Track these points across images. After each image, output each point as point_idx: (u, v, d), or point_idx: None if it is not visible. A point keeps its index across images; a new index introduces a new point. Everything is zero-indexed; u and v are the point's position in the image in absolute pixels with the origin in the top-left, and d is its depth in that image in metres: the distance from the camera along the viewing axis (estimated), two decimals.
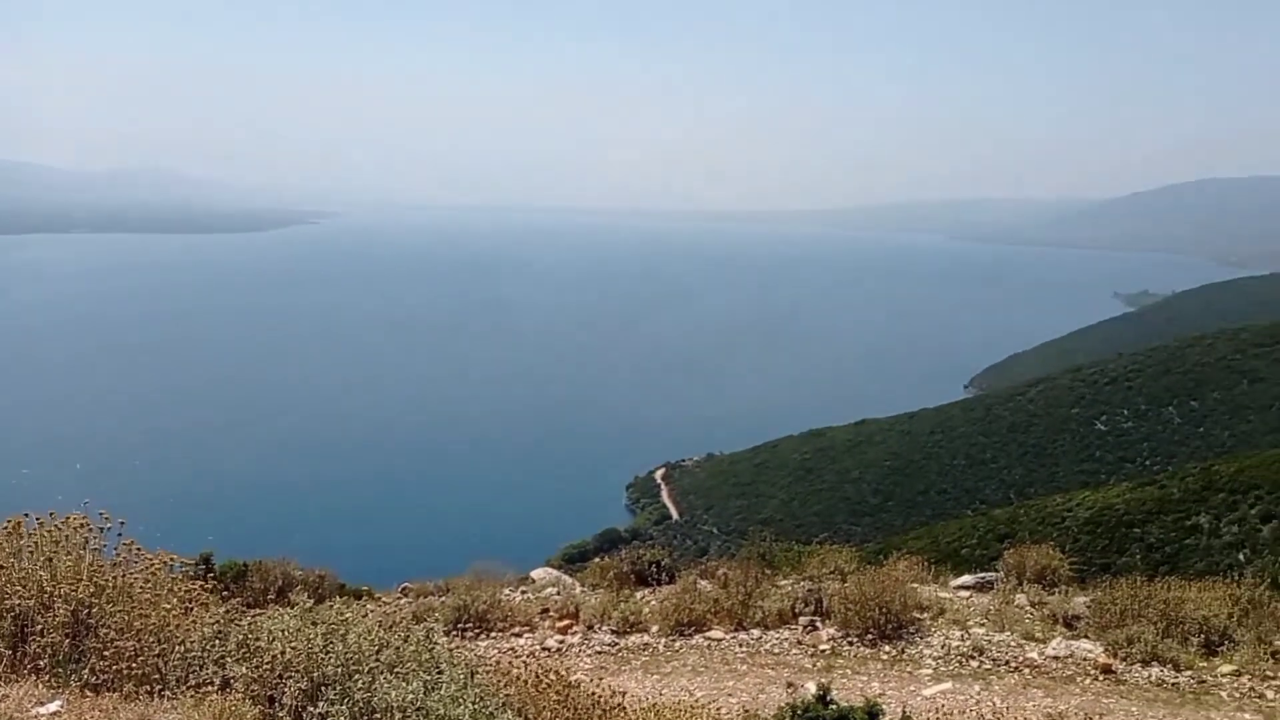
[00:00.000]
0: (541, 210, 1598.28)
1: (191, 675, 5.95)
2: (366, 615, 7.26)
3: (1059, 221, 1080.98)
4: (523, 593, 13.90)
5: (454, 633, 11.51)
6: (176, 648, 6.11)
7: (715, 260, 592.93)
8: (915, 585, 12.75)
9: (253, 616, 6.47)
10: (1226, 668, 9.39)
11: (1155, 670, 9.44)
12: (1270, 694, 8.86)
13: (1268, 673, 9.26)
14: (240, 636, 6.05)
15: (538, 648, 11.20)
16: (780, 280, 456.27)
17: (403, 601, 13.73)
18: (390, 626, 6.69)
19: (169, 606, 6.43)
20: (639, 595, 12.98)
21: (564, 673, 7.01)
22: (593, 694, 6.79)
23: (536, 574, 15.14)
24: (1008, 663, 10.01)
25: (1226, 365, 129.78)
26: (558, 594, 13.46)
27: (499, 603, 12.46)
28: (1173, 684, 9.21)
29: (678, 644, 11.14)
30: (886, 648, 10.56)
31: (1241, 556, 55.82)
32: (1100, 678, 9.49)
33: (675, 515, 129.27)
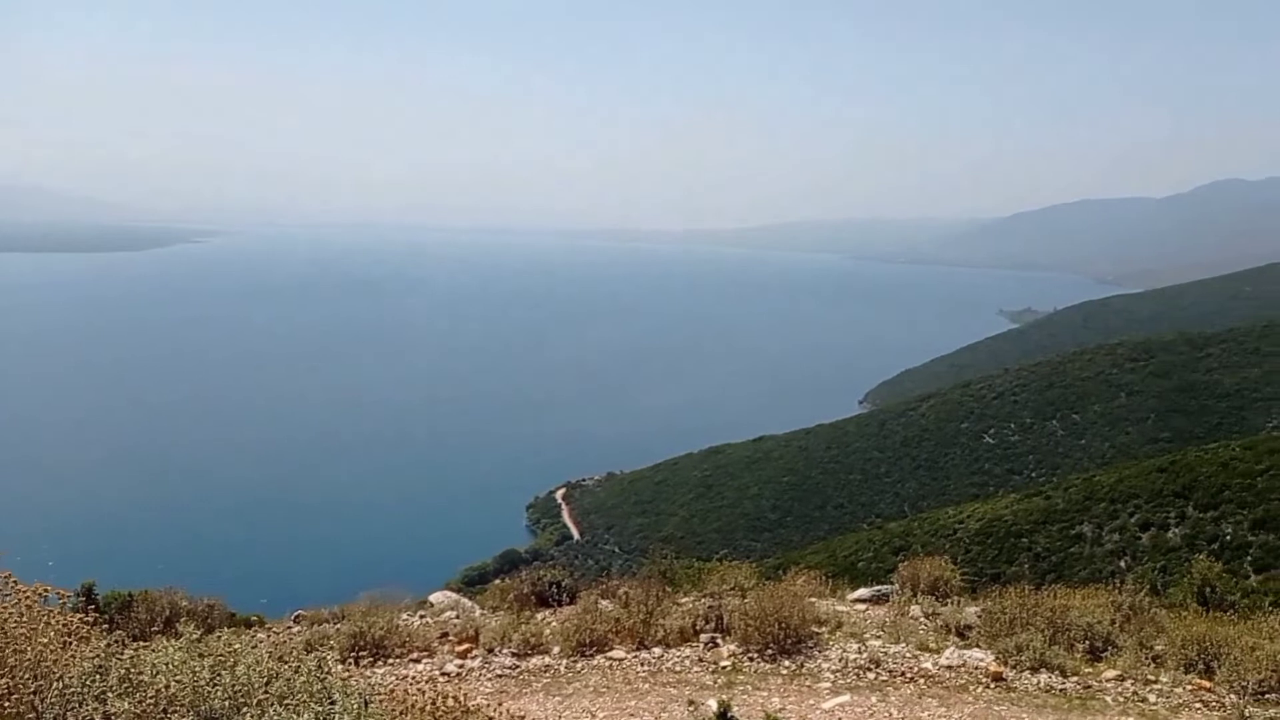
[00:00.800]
0: (442, 229, 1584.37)
1: (70, 713, 5.64)
2: (257, 645, 7.00)
3: (950, 241, 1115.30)
4: (421, 617, 13.63)
5: (350, 660, 11.20)
6: (54, 684, 5.79)
7: (617, 279, 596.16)
8: (813, 600, 12.90)
9: (137, 649, 6.18)
10: (1110, 673, 9.70)
11: (1043, 677, 9.71)
12: (1152, 697, 9.18)
13: (1149, 676, 9.60)
14: (123, 671, 5.77)
15: (436, 673, 10.96)
16: (681, 299, 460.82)
17: (296, 630, 13.33)
18: (282, 656, 6.46)
19: (45, 640, 6.10)
20: (540, 616, 12.84)
21: (462, 698, 6.86)
22: (491, 718, 6.67)
23: (435, 598, 14.87)
24: (903, 674, 10.18)
25: (1105, 379, 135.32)
26: (457, 617, 13.24)
27: (396, 628, 12.18)
28: (1060, 690, 9.48)
29: (579, 665, 11.04)
30: (786, 662, 10.63)
31: (1123, 564, 58.08)
32: (991, 686, 9.71)
33: (576, 535, 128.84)
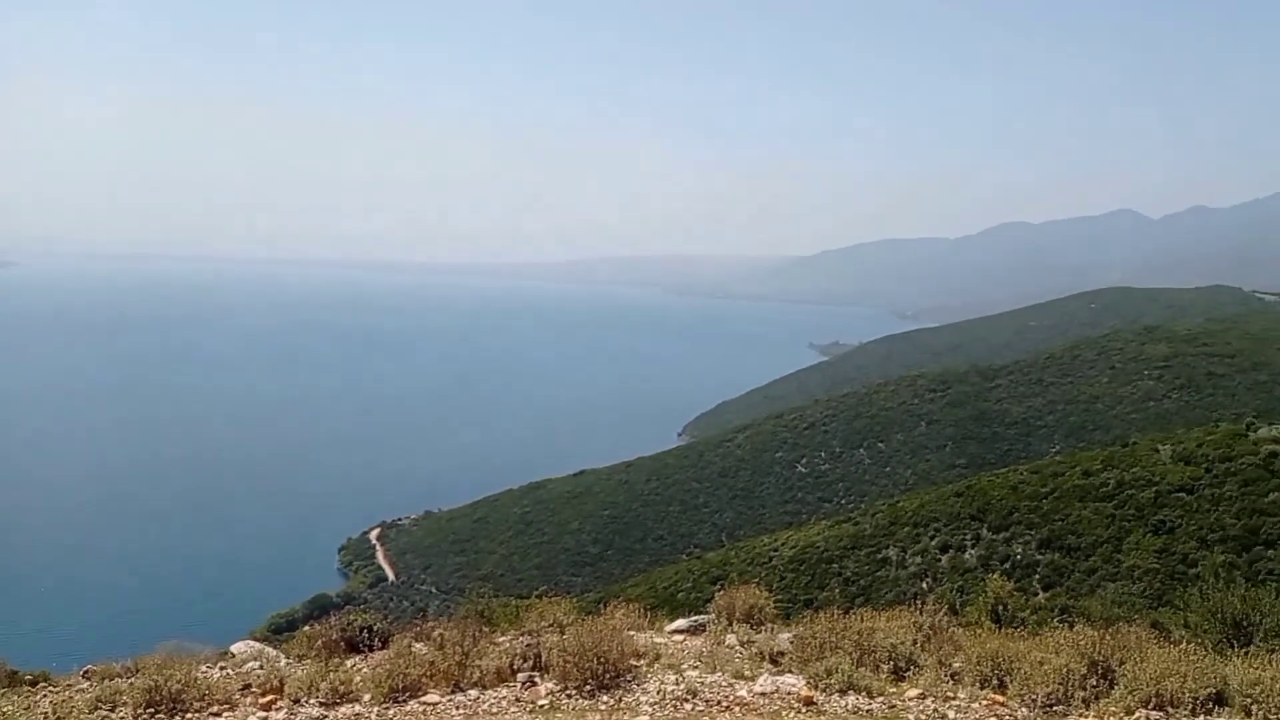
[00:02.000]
0: (250, 261, 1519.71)
1: None
2: (37, 703, 6.42)
3: (763, 277, 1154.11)
4: (222, 669, 12.85)
5: (144, 717, 10.45)
6: None
7: (433, 314, 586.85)
8: (632, 633, 12.88)
9: None
10: (913, 691, 10.08)
11: (851, 699, 9.99)
12: (951, 713, 9.59)
13: (948, 694, 10.03)
14: None
15: None
16: (501, 334, 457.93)
17: (84, 686, 12.34)
18: (61, 718, 5.95)
19: None
20: (350, 663, 12.33)
21: None
22: None
23: (237, 648, 14.07)
24: (719, 702, 10.27)
25: (907, 409, 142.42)
26: (260, 667, 12.54)
27: (195, 681, 11.42)
28: (866, 710, 9.77)
29: (391, 712, 10.64)
30: (605, 697, 10.56)
31: (925, 585, 60.93)
32: (803, 710, 9.92)
33: (392, 576, 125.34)
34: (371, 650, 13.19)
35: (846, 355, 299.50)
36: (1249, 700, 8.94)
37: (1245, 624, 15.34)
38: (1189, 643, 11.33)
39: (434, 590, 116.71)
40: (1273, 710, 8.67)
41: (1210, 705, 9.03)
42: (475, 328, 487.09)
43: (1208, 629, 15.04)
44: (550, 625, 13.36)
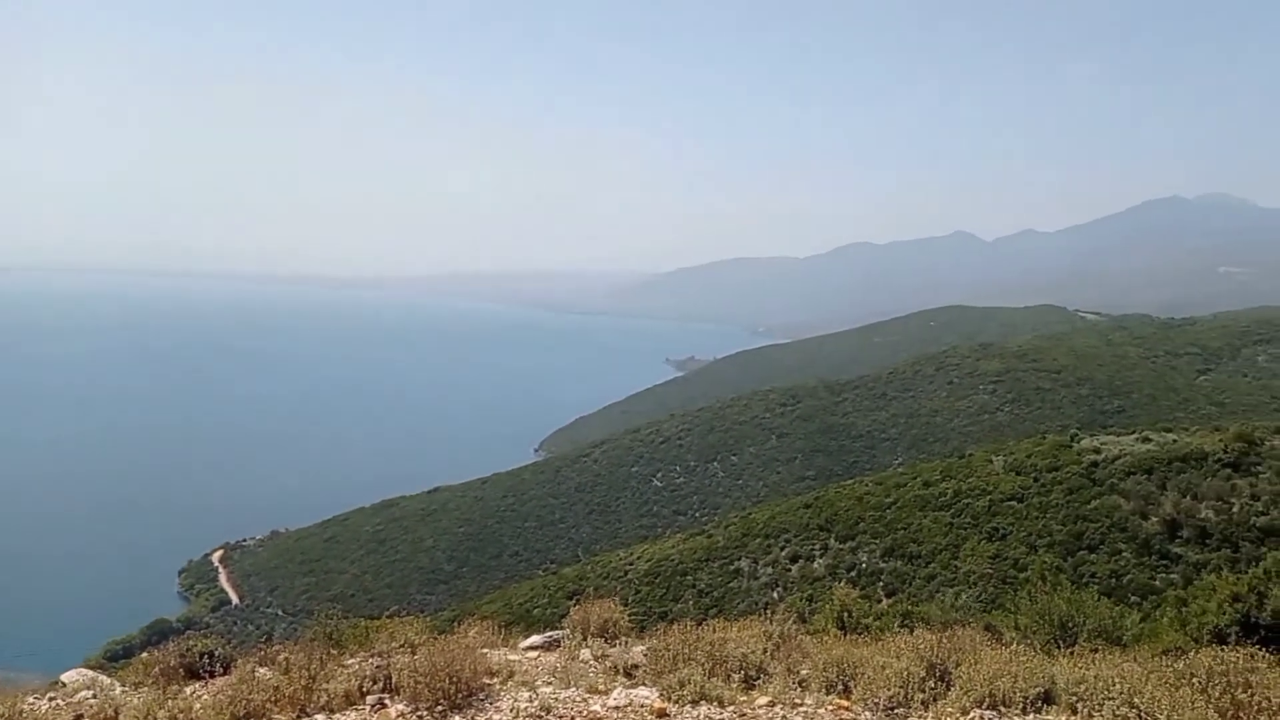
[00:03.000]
0: (99, 271, 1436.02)
1: None
2: None
3: (621, 293, 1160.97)
4: (51, 700, 12.10)
5: None
6: None
7: (290, 327, 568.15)
8: (486, 651, 12.74)
9: None
10: (763, 699, 10.29)
11: (704, 709, 10.12)
12: (799, 719, 9.83)
13: (796, 700, 10.27)
14: None
15: None
16: (355, 348, 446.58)
17: None
18: None
19: None
20: (189, 690, 11.81)
21: None
22: None
23: (68, 677, 13.28)
24: (573, 717, 10.26)
25: (759, 423, 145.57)
26: (93, 697, 11.87)
27: (21, 713, 10.75)
28: (719, 719, 9.94)
29: None
30: (457, 717, 10.41)
31: (776, 594, 62.28)
32: None
33: (236, 599, 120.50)
34: (213, 676, 12.66)
35: (701, 370, 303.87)
36: (1075, 698, 9.44)
37: (1070, 625, 16.24)
38: (1019, 644, 11.92)
39: (280, 613, 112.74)
40: (1096, 707, 9.17)
41: (1039, 704, 9.50)
42: (323, 343, 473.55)
43: (1036, 630, 15.86)
44: (401, 646, 13.08)
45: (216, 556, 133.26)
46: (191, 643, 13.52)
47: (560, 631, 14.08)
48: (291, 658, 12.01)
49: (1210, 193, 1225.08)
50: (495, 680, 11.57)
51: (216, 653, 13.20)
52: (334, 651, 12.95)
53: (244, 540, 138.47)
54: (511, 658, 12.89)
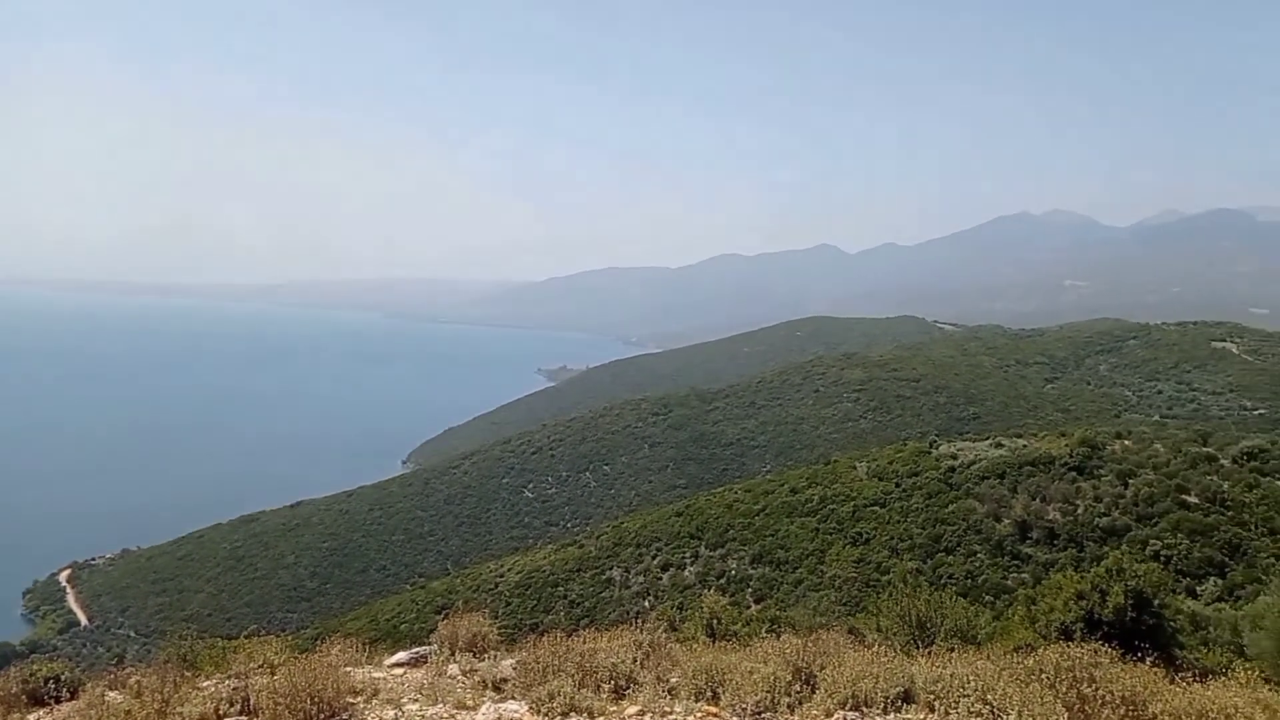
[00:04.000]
0: None
1: None
2: None
3: (490, 302, 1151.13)
4: None
5: None
6: None
7: (140, 338, 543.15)
8: (349, 669, 12.39)
9: None
10: (632, 709, 10.29)
11: None
12: None
13: (665, 708, 10.31)
14: None
15: None
16: (211, 359, 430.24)
17: None
18: None
19: None
20: (32, 718, 11.18)
21: None
22: None
23: None
24: None
25: (631, 432, 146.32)
26: None
27: None
28: None
29: None
30: None
31: (647, 603, 62.60)
32: None
33: (84, 621, 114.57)
34: (59, 702, 12.02)
35: (574, 380, 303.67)
36: (932, 697, 9.73)
37: (929, 625, 16.80)
38: (881, 645, 12.25)
39: (133, 634, 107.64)
40: (952, 705, 9.48)
41: (899, 703, 9.76)
42: (178, 353, 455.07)
43: (897, 632, 16.35)
44: (260, 666, 12.62)
45: (64, 576, 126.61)
46: (36, 667, 12.82)
47: (428, 647, 13.80)
48: (144, 681, 11.49)
49: (1056, 210, 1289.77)
50: (359, 699, 11.28)
51: (63, 677, 12.55)
52: (189, 674, 12.44)
53: (93, 559, 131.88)
54: (376, 675, 12.58)
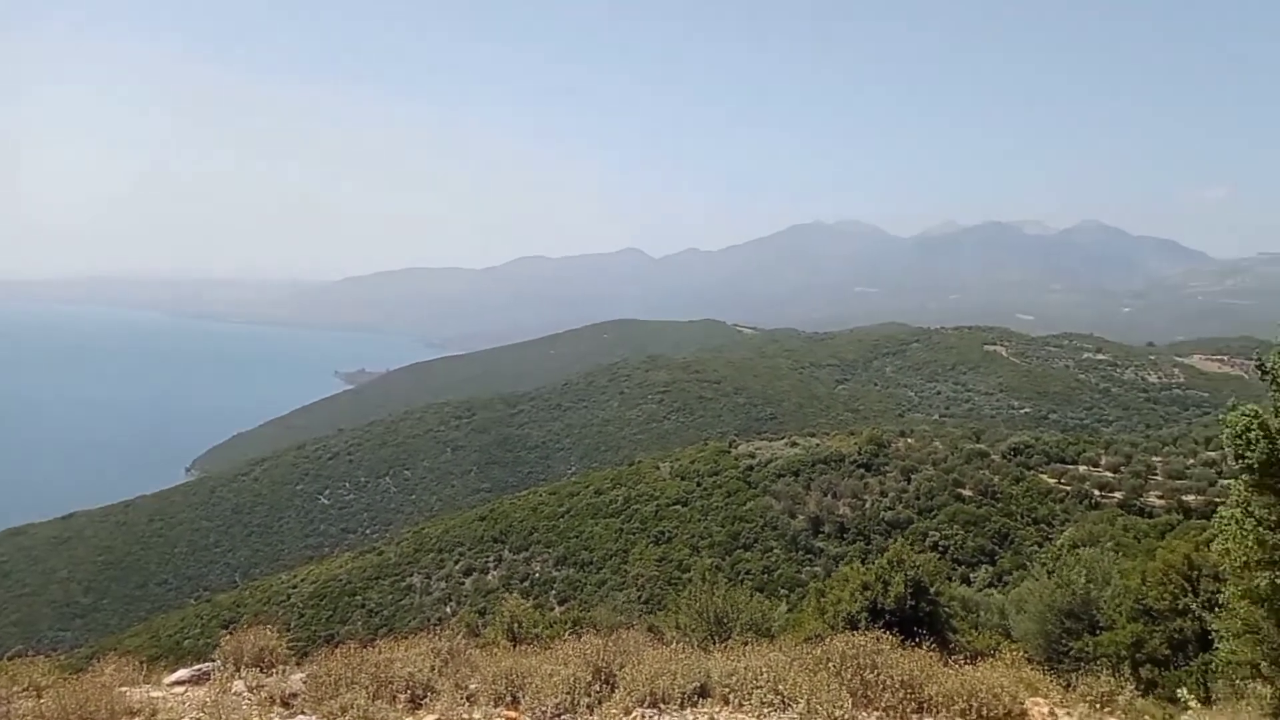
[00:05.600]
0: None
1: None
2: None
3: (282, 302, 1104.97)
4: None
5: None
6: None
7: None
8: (125, 689, 11.64)
9: None
10: (429, 718, 10.11)
11: None
12: None
13: (463, 715, 10.18)
14: None
15: None
16: None
17: None
18: None
19: None
20: None
21: None
22: None
23: None
24: None
25: (433, 436, 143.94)
26: None
27: None
28: None
29: None
30: None
31: (449, 609, 61.70)
32: None
33: None
34: None
35: (373, 383, 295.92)
36: (727, 690, 10.01)
37: (726, 621, 17.28)
38: (679, 642, 12.49)
39: None
40: (746, 696, 9.77)
41: (695, 698, 9.99)
42: None
43: (695, 628, 16.73)
44: (25, 689, 11.68)
45: None
46: None
47: (211, 663, 13.12)
48: None
49: (847, 220, 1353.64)
50: None
51: None
52: None
53: None
54: (155, 695, 11.85)
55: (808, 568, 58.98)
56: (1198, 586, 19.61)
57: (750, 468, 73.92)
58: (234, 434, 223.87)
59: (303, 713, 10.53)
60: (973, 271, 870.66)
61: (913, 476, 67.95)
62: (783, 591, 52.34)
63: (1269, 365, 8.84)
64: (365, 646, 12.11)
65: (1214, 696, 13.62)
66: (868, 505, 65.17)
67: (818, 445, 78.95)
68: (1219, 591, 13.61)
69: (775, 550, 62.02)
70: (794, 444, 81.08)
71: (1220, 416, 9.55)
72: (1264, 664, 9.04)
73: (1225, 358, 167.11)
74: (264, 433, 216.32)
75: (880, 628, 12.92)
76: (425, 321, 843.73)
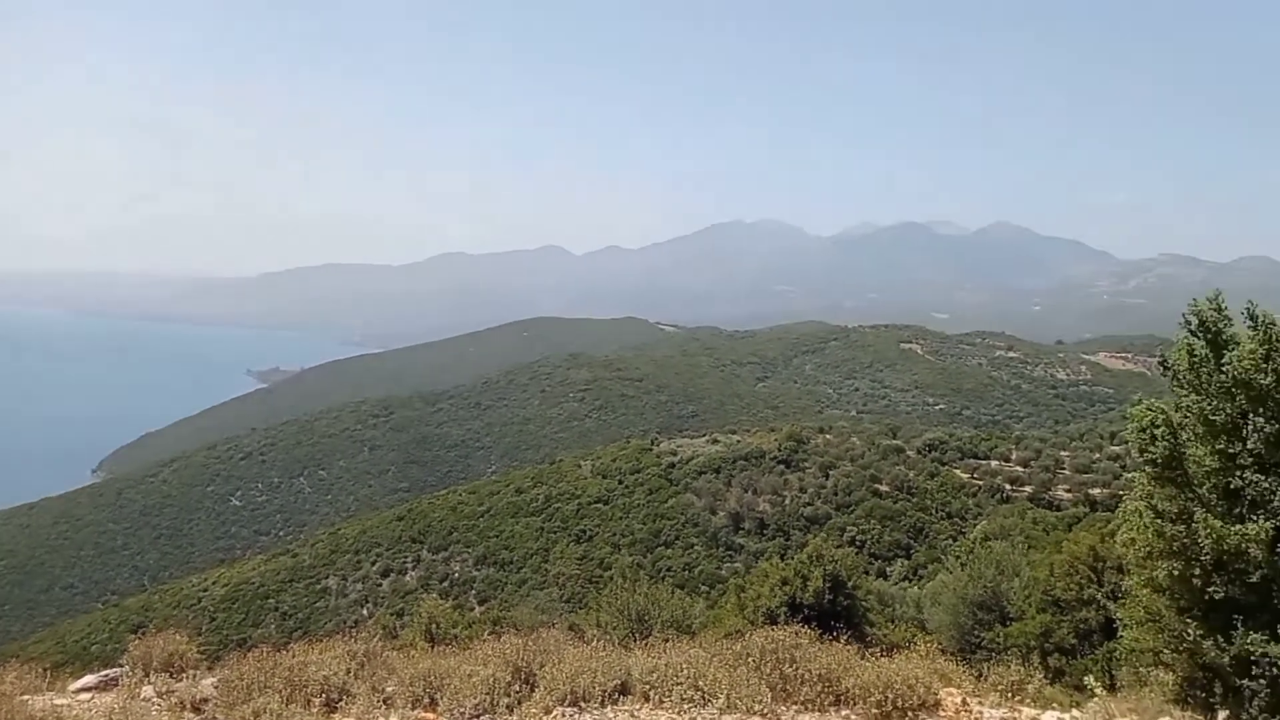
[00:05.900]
0: None
1: None
2: None
3: (188, 297, 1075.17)
4: None
5: None
6: None
7: None
8: (27, 697, 11.24)
9: None
10: None
11: None
12: None
13: (380, 718, 10.04)
14: None
15: None
16: None
17: None
18: None
19: None
20: None
21: None
22: None
23: None
24: None
25: (350, 436, 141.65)
26: None
27: None
28: None
29: None
30: None
31: (365, 611, 60.82)
32: None
33: None
34: None
35: (288, 382, 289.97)
36: (648, 687, 10.03)
37: (646, 618, 17.32)
38: (600, 640, 12.48)
39: None
40: (666, 693, 9.81)
41: (616, 695, 9.99)
42: None
43: (616, 626, 16.74)
44: None
45: None
46: None
47: (119, 669, 12.73)
48: None
49: (766, 219, 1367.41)
50: None
51: None
52: None
53: None
54: (59, 702, 11.46)
55: (728, 564, 59.47)
56: (1102, 577, 20.24)
57: (672, 465, 74.27)
58: (142, 434, 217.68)
59: (215, 718, 10.29)
60: (890, 271, 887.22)
61: (831, 473, 68.99)
62: (703, 588, 52.68)
63: (1171, 362, 9.16)
64: (279, 650, 11.86)
65: (1119, 683, 14.07)
66: (787, 501, 65.99)
67: (738, 442, 79.69)
68: (1123, 582, 14.08)
69: (696, 547, 62.42)
70: (715, 441, 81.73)
71: (1125, 412, 9.87)
72: (1165, 651, 9.36)
73: (1129, 355, 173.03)
74: (174, 433, 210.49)
75: (799, 622, 13.07)
76: (343, 319, 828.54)
